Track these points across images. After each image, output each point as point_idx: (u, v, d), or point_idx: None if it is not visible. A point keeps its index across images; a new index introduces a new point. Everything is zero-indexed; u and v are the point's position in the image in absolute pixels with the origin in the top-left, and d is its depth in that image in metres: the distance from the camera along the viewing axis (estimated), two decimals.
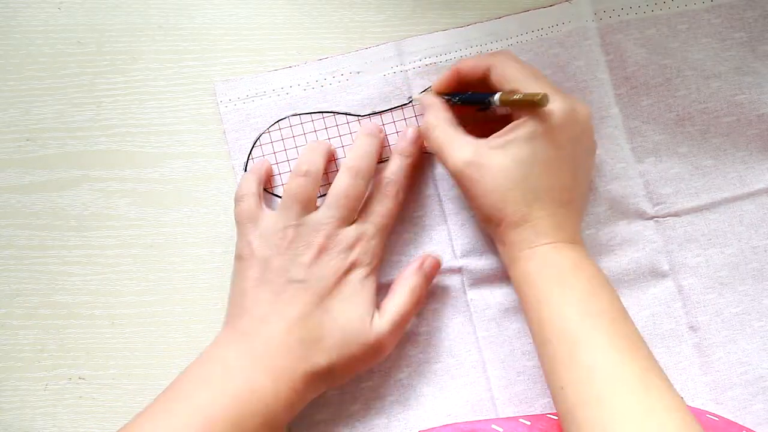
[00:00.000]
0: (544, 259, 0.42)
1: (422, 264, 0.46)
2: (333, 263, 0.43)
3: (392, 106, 0.50)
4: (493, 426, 0.43)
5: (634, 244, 0.48)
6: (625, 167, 0.49)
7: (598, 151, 0.48)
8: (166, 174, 0.50)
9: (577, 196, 0.44)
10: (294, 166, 0.45)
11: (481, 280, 0.48)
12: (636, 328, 0.40)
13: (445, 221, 0.49)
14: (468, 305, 0.48)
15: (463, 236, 0.48)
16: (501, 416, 0.46)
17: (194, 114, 0.50)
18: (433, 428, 0.45)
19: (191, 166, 0.50)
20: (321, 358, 0.42)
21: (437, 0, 0.51)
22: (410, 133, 0.47)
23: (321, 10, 0.51)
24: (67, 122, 0.50)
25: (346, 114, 0.50)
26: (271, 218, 0.44)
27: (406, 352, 0.47)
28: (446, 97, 0.47)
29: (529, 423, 0.44)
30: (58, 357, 0.48)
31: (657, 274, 0.48)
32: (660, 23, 0.50)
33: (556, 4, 0.50)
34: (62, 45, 0.50)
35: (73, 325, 0.49)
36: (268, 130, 0.50)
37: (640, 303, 0.48)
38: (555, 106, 0.42)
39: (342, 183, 0.45)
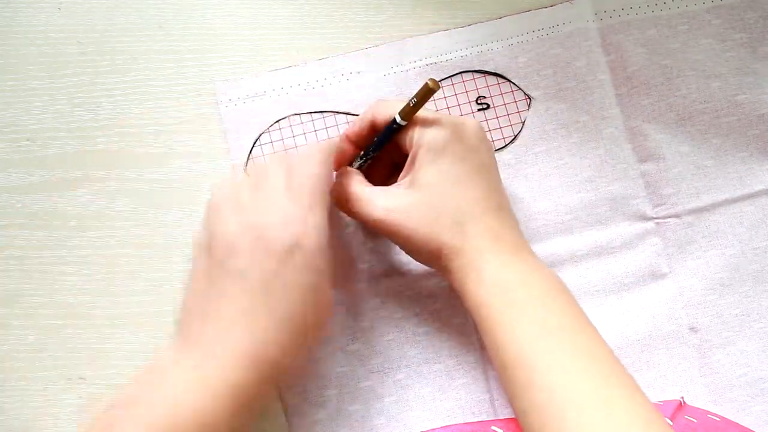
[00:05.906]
0: (492, 281, 0.40)
1: None
2: None
3: None
4: (493, 428, 0.43)
5: (634, 246, 0.48)
6: (626, 168, 0.49)
7: (599, 151, 0.48)
8: (166, 174, 0.50)
9: (504, 201, 0.43)
10: None
11: None
12: (595, 333, 0.39)
13: None
14: None
15: None
16: (500, 417, 0.46)
17: (194, 114, 0.50)
18: (432, 429, 0.45)
19: (191, 166, 0.50)
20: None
21: (437, 0, 0.51)
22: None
23: (321, 10, 0.51)
24: (67, 122, 0.50)
25: (346, 114, 0.50)
26: None
27: (405, 352, 0.47)
28: (359, 162, 0.45)
29: None
30: (58, 357, 0.48)
31: (657, 276, 0.48)
32: (660, 24, 0.50)
33: (557, 4, 0.50)
34: (62, 45, 0.50)
35: (73, 326, 0.49)
36: (268, 130, 0.50)
37: (641, 304, 0.48)
38: (441, 123, 0.42)
39: None
